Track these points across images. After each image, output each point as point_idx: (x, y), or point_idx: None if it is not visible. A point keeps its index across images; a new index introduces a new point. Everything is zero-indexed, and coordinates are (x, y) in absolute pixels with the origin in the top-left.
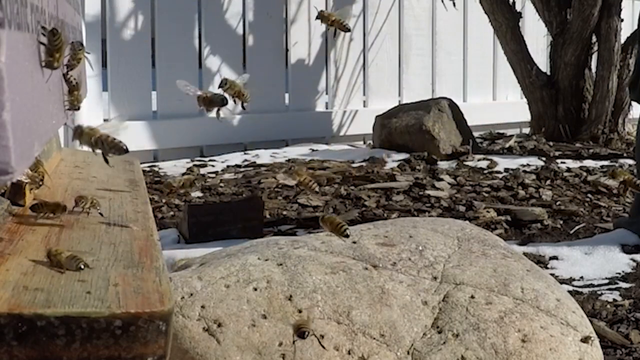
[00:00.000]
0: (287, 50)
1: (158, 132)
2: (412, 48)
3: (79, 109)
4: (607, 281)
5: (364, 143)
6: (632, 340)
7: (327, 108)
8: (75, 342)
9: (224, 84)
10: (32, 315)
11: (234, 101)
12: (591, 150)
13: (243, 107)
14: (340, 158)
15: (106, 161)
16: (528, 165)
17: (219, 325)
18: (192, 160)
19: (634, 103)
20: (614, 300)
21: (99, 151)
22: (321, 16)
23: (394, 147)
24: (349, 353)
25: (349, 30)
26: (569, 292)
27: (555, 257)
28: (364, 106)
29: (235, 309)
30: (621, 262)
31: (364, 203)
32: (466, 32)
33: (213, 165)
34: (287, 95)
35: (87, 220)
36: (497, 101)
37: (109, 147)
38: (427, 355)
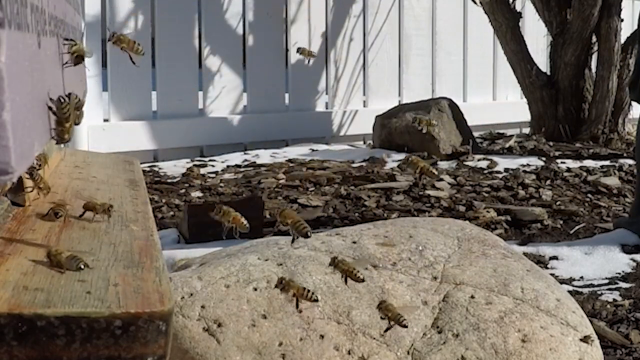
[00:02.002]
0: (287, 50)
1: (158, 132)
2: (412, 48)
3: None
4: (607, 281)
5: (364, 143)
6: (632, 340)
7: (327, 108)
8: (75, 342)
9: (112, 37)
10: (32, 315)
11: (130, 57)
12: (591, 150)
13: (132, 60)
14: (340, 158)
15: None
16: (528, 165)
17: (219, 325)
18: (192, 160)
19: (634, 103)
20: (614, 300)
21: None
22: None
23: (394, 147)
24: (349, 353)
25: None
26: (569, 292)
27: (555, 257)
28: (364, 106)
29: (235, 309)
30: (621, 262)
31: (364, 203)
32: (466, 32)
33: (213, 165)
34: (287, 95)
35: (87, 220)
36: (497, 101)
37: (296, 230)
38: (427, 355)
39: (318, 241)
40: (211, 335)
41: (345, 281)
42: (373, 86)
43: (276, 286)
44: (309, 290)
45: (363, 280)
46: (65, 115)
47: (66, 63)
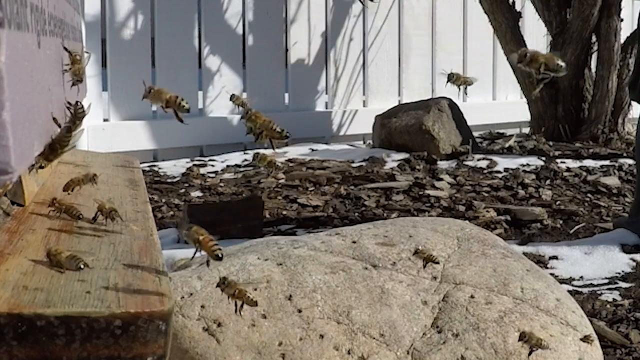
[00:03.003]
0: (287, 50)
1: (158, 132)
2: (412, 48)
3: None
4: (607, 281)
5: (364, 143)
6: (632, 340)
7: (327, 108)
8: (75, 342)
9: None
10: (32, 315)
11: (175, 113)
12: (591, 150)
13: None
14: (340, 158)
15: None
16: (528, 165)
17: (219, 325)
18: (192, 160)
19: (634, 103)
20: (614, 300)
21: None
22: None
23: (394, 147)
24: (349, 353)
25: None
26: (569, 292)
27: (555, 257)
28: (364, 106)
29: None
30: (621, 262)
31: (364, 203)
32: (466, 32)
33: (213, 165)
34: (287, 95)
35: (89, 222)
36: (497, 101)
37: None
38: (427, 355)
39: (318, 241)
40: (211, 335)
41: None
42: (373, 86)
43: (218, 285)
44: (249, 295)
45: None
46: (64, 142)
47: (65, 71)
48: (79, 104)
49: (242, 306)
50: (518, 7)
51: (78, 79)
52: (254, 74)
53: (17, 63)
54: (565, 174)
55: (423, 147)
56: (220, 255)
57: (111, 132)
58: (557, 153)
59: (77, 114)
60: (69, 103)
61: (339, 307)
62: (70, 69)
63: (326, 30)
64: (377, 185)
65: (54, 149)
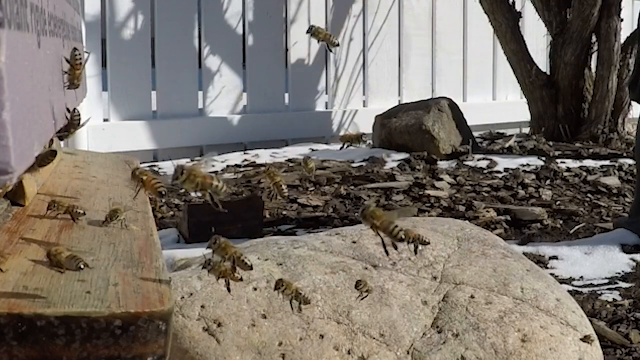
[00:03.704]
0: (287, 50)
1: (158, 132)
2: (412, 48)
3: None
4: (607, 281)
5: (364, 143)
6: (632, 340)
7: (327, 108)
8: (75, 342)
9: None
10: (32, 315)
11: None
12: (591, 150)
13: (216, 205)
14: (340, 158)
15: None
16: (528, 165)
17: (219, 325)
18: (192, 160)
19: (634, 103)
20: (614, 300)
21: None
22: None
23: (394, 147)
24: (349, 353)
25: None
26: (569, 292)
27: (555, 257)
28: (364, 106)
29: (235, 309)
30: (621, 262)
31: (364, 203)
32: (466, 32)
33: (213, 165)
34: (287, 95)
35: (88, 220)
36: (497, 101)
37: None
38: (427, 355)
39: (318, 241)
40: (211, 335)
41: (228, 288)
42: (373, 86)
43: (276, 288)
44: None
45: (241, 280)
46: (45, 164)
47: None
48: (76, 111)
49: (228, 282)
50: (518, 7)
51: (75, 86)
52: (254, 74)
53: (17, 63)
54: (565, 174)
55: (423, 147)
56: (163, 192)
57: (111, 132)
58: (557, 153)
59: (73, 121)
60: (67, 110)
61: (339, 307)
62: (69, 74)
63: (326, 30)
64: (377, 185)
65: (43, 164)
